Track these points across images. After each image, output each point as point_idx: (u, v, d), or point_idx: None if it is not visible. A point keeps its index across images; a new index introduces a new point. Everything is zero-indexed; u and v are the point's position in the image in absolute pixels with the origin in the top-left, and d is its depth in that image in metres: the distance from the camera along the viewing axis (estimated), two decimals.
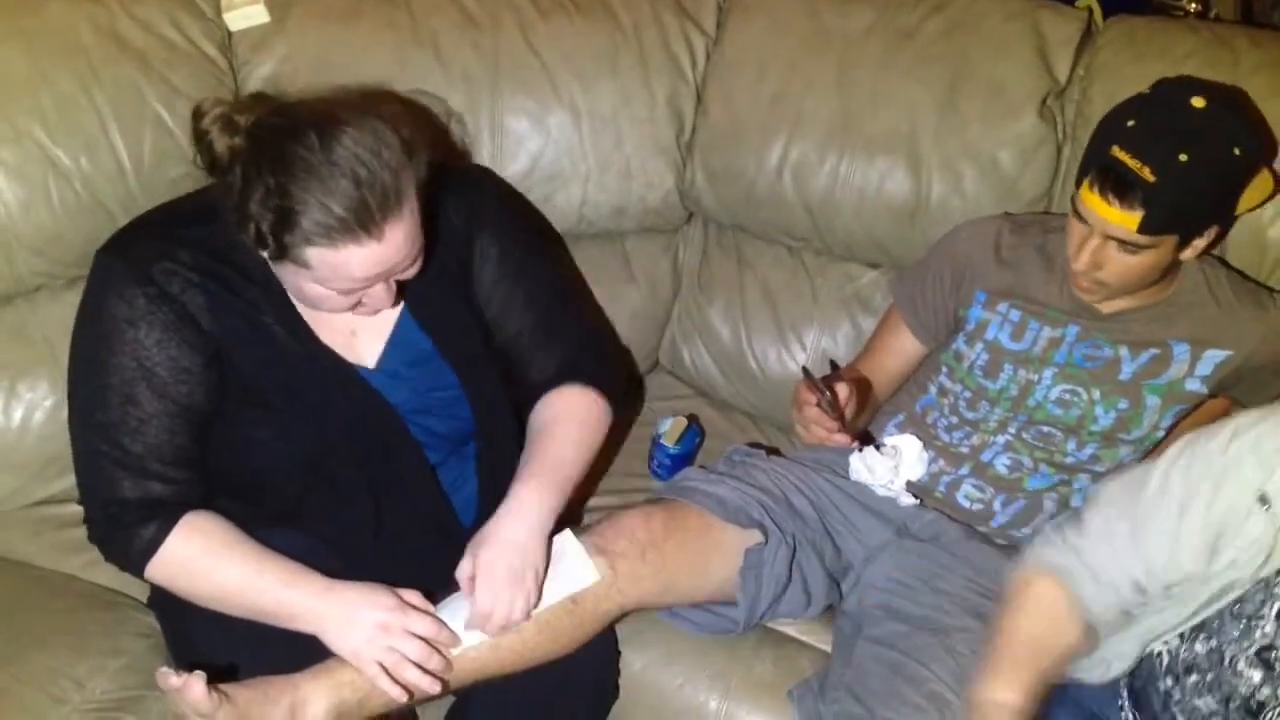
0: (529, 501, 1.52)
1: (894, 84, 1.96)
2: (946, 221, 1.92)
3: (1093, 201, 1.53)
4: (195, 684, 1.29)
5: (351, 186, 1.32)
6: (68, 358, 1.50)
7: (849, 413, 1.63)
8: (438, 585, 1.53)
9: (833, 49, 1.99)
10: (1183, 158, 1.47)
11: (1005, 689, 1.39)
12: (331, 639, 1.44)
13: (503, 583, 1.47)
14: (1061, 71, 1.93)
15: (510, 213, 1.72)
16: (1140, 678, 1.42)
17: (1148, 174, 1.47)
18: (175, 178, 1.75)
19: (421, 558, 1.58)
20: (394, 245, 1.37)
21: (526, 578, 1.48)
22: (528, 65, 2.00)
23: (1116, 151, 1.50)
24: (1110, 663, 1.43)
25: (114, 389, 1.43)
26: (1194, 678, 1.31)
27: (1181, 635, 1.33)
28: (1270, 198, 1.66)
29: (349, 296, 1.42)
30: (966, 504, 1.79)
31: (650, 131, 2.06)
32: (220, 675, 1.35)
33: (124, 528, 1.45)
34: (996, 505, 1.78)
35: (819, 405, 1.59)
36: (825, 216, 2.03)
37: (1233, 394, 1.77)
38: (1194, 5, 2.37)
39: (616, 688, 1.71)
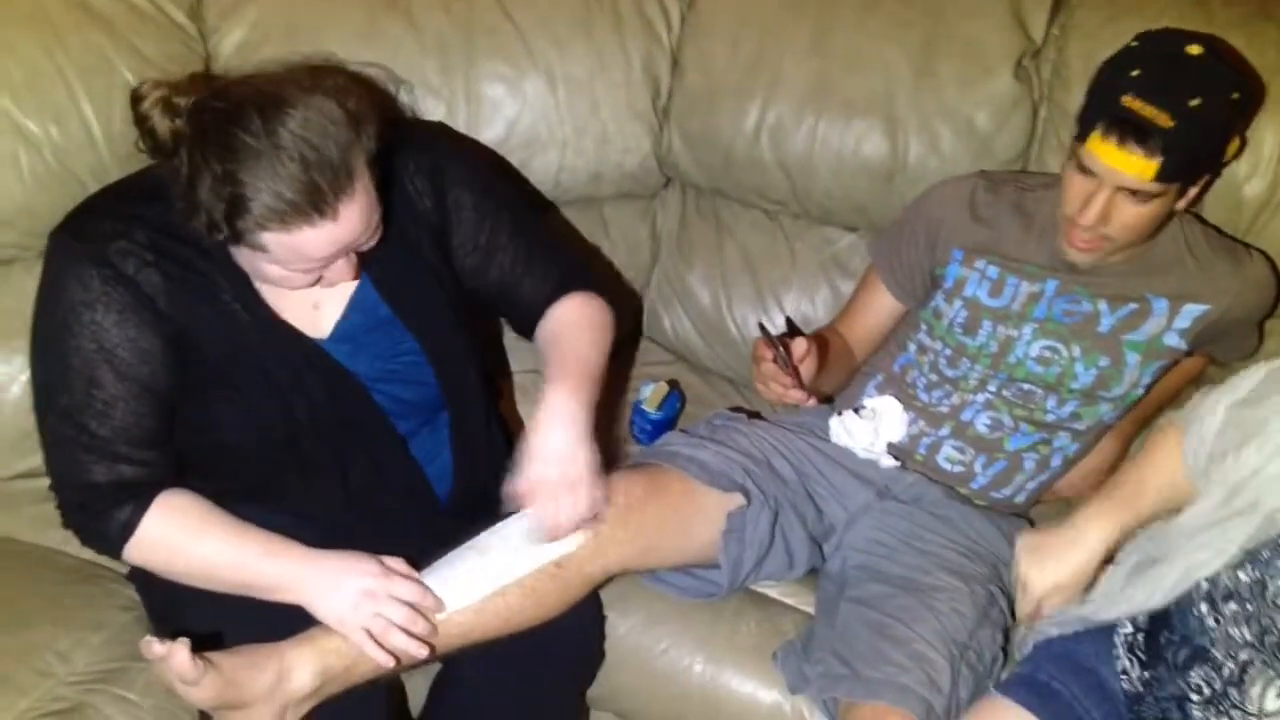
0: (564, 405, 1.52)
1: (870, 45, 1.96)
2: (924, 183, 1.92)
3: (1106, 153, 1.51)
4: (180, 651, 1.28)
5: (300, 169, 1.30)
6: (29, 342, 1.48)
7: (807, 371, 1.62)
8: (415, 556, 1.52)
9: (808, 11, 1.99)
10: (1194, 103, 1.47)
11: (1101, 530, 1.49)
12: (316, 607, 1.44)
13: (558, 491, 1.48)
14: (1037, 31, 1.93)
15: (472, 160, 1.70)
16: (1164, 610, 1.42)
17: (1165, 120, 1.47)
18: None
19: (397, 530, 1.58)
20: (349, 223, 1.35)
21: (582, 479, 1.50)
22: (502, 30, 1.98)
23: (1129, 101, 1.49)
24: (1136, 598, 1.43)
25: (76, 372, 1.41)
26: (1233, 606, 1.31)
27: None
28: (1239, 153, 1.67)
29: (309, 274, 1.41)
30: (947, 466, 1.79)
31: (626, 96, 2.04)
32: (205, 644, 1.35)
33: (98, 512, 1.44)
34: (977, 467, 1.79)
35: (774, 361, 1.59)
36: (803, 179, 2.03)
37: (1210, 350, 1.79)
38: None
39: (601, 652, 1.72)
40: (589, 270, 1.76)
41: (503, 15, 1.98)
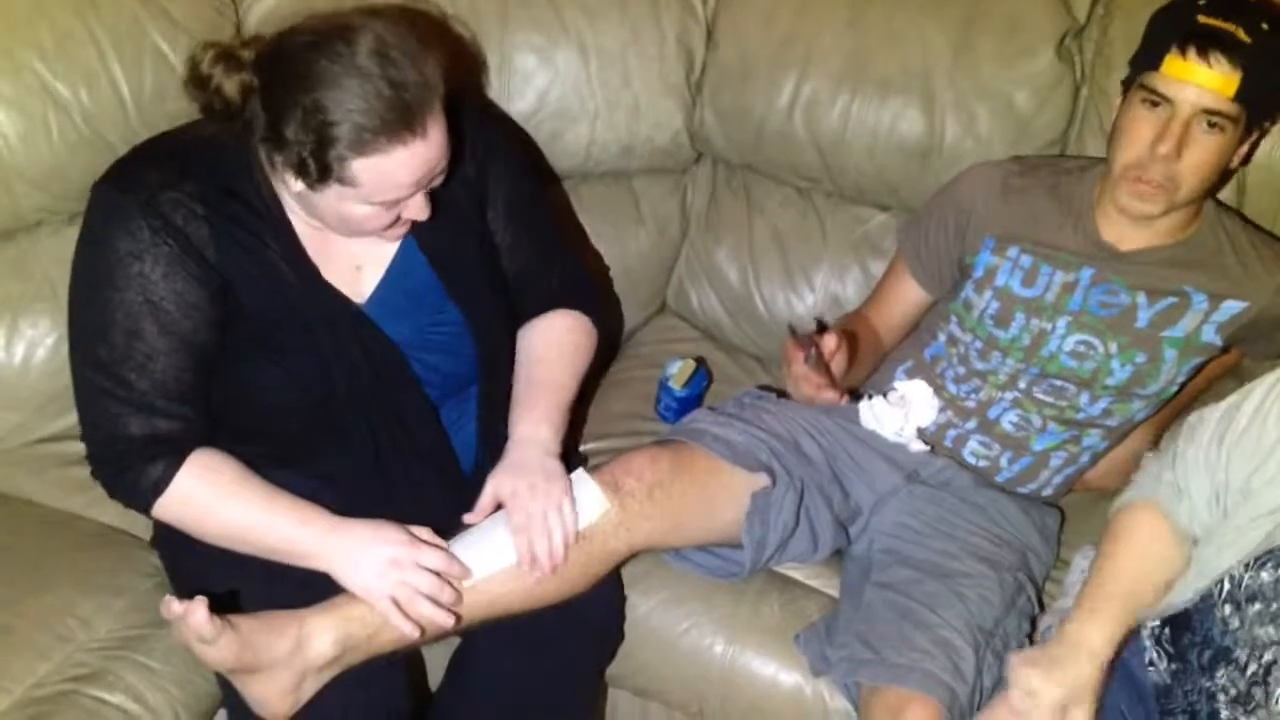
0: (534, 431, 1.55)
1: (908, 21, 1.93)
2: (959, 163, 1.89)
3: (1187, 70, 1.48)
4: (197, 609, 1.28)
5: (387, 87, 1.30)
6: (68, 293, 1.47)
7: (838, 368, 1.61)
8: (440, 526, 1.52)
9: None
10: (1265, 25, 1.47)
11: (1098, 633, 1.38)
12: (343, 575, 1.44)
13: (532, 502, 1.49)
14: (1080, 10, 1.90)
15: (518, 147, 1.71)
16: (1184, 613, 1.40)
17: (1242, 34, 1.46)
18: (176, 112, 1.71)
19: (422, 500, 1.58)
20: (435, 142, 1.36)
21: (553, 492, 1.50)
22: (535, 0, 1.96)
23: (1205, 18, 1.48)
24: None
25: (118, 324, 1.40)
26: (1257, 606, 1.29)
27: (1247, 564, 1.31)
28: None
29: (392, 210, 1.41)
30: (973, 460, 1.77)
31: (659, 69, 2.02)
32: (226, 607, 1.35)
33: (130, 466, 1.43)
34: (1003, 462, 1.77)
35: (806, 361, 1.58)
36: (836, 157, 2.01)
37: (1244, 345, 1.75)
38: None
39: (621, 631, 1.71)
40: (589, 281, 1.78)
41: None
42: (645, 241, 2.19)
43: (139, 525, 1.66)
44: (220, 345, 1.46)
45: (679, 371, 1.99)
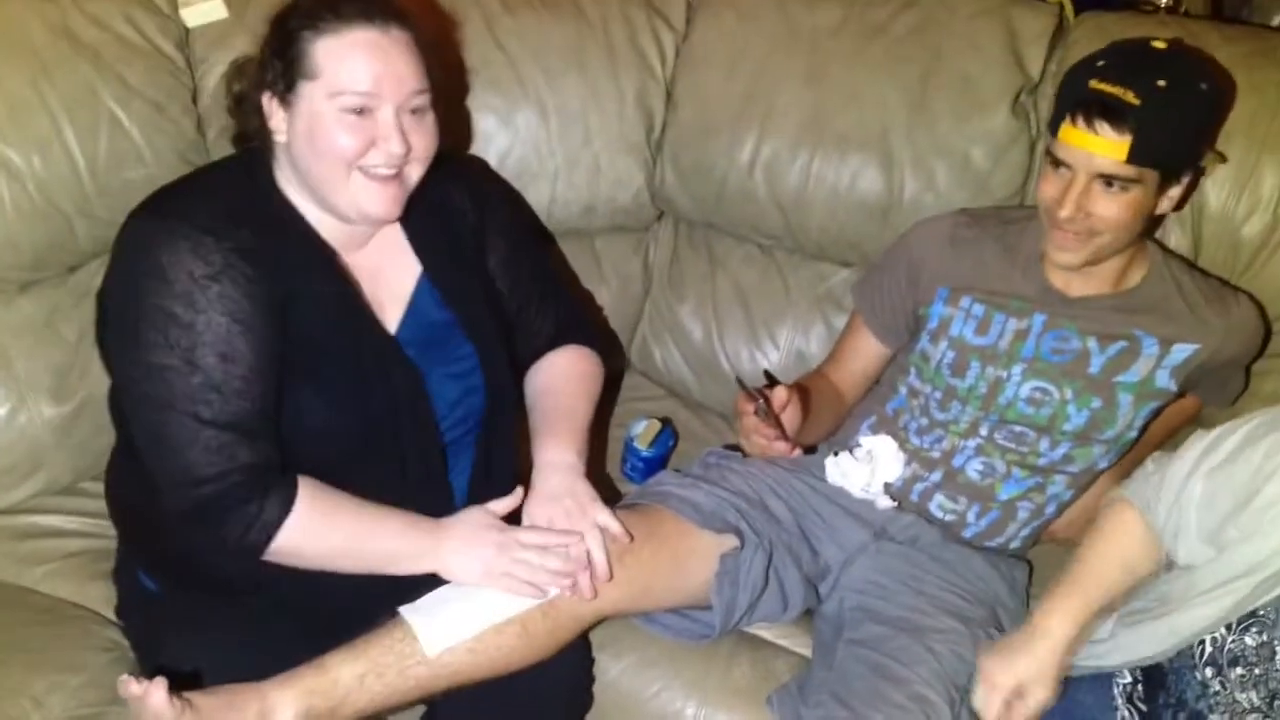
0: (558, 456, 1.58)
1: (865, 80, 1.95)
2: (919, 219, 1.90)
3: (1076, 137, 1.51)
4: (156, 690, 1.25)
5: None
6: (119, 332, 1.39)
7: (790, 421, 1.62)
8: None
9: (803, 45, 1.98)
10: (1161, 83, 1.48)
11: (1062, 619, 1.43)
12: (455, 570, 1.48)
13: (568, 528, 1.51)
14: (1034, 67, 1.92)
15: (508, 195, 1.77)
16: (1159, 671, 1.40)
17: (1131, 97, 1.47)
18: (132, 179, 1.70)
19: None
20: (400, 48, 1.40)
21: (588, 513, 1.52)
22: (493, 61, 1.98)
23: (1095, 84, 1.50)
24: (1136, 648, 1.42)
25: (208, 348, 1.35)
26: (1240, 670, 1.29)
27: (1229, 625, 1.31)
28: (1218, 159, 1.72)
29: (362, 124, 1.39)
30: (940, 514, 1.77)
31: (619, 129, 2.04)
32: (185, 684, 1.32)
33: (242, 499, 1.37)
34: (970, 516, 1.76)
35: (756, 413, 1.58)
36: (797, 214, 2.01)
37: (1198, 391, 1.77)
38: (1165, 0, 2.37)
39: (590, 696, 1.68)
40: (587, 318, 1.82)
41: (495, 46, 1.97)
42: (608, 300, 2.19)
43: (94, 599, 1.63)
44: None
45: (644, 431, 1.99)
